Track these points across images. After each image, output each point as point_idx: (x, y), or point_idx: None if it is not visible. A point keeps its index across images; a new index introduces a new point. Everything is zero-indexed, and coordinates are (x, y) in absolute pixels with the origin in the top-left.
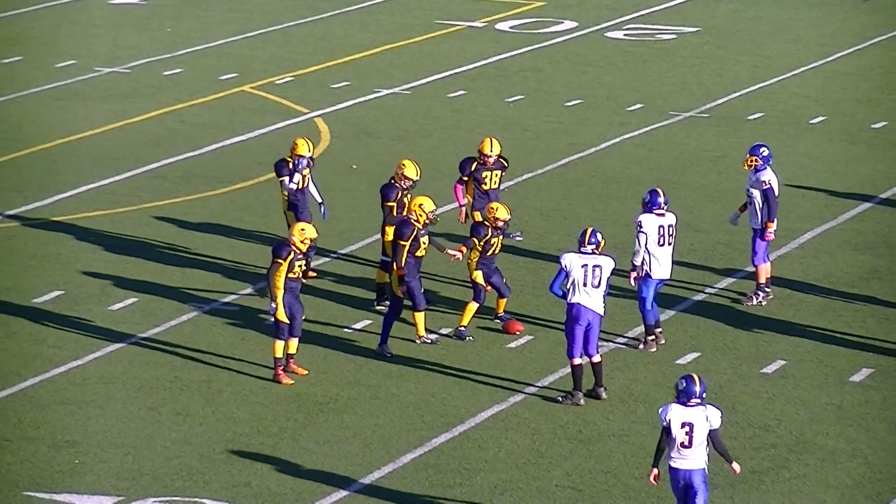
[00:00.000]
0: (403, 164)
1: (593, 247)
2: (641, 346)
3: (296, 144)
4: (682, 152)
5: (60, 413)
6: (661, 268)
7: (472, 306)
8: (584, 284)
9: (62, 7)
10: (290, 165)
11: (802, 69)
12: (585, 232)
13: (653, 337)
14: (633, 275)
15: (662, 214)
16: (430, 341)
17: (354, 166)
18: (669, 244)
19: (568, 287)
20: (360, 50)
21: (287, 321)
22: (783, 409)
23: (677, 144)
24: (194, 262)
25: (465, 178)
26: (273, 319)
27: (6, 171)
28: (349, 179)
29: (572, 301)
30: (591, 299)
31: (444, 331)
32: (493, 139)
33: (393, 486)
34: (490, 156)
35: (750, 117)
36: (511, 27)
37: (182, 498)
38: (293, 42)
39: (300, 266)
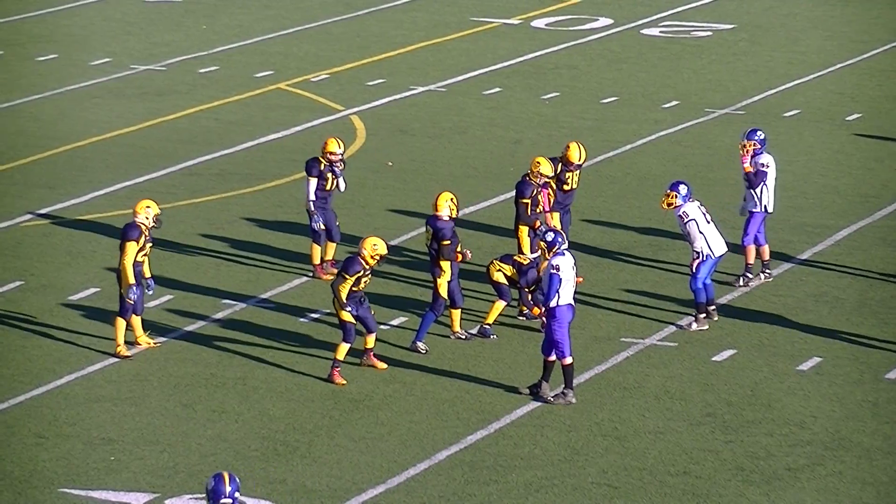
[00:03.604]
0: (538, 162)
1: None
2: (694, 325)
3: (326, 143)
4: (717, 149)
5: (96, 410)
6: (718, 244)
7: (500, 305)
8: (572, 285)
9: (97, 4)
10: (322, 166)
11: (838, 66)
12: (561, 233)
13: (704, 314)
14: (697, 261)
15: (693, 199)
16: (464, 337)
17: (390, 164)
18: (712, 220)
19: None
20: (395, 47)
21: (353, 321)
22: (819, 407)
23: (713, 141)
24: (229, 259)
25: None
26: (339, 322)
27: (41, 168)
28: (384, 177)
29: (564, 303)
30: (571, 297)
31: (472, 330)
32: (578, 145)
33: (428, 482)
34: (579, 164)
35: (785, 114)
36: (546, 24)
37: None
38: (329, 39)
39: (366, 281)
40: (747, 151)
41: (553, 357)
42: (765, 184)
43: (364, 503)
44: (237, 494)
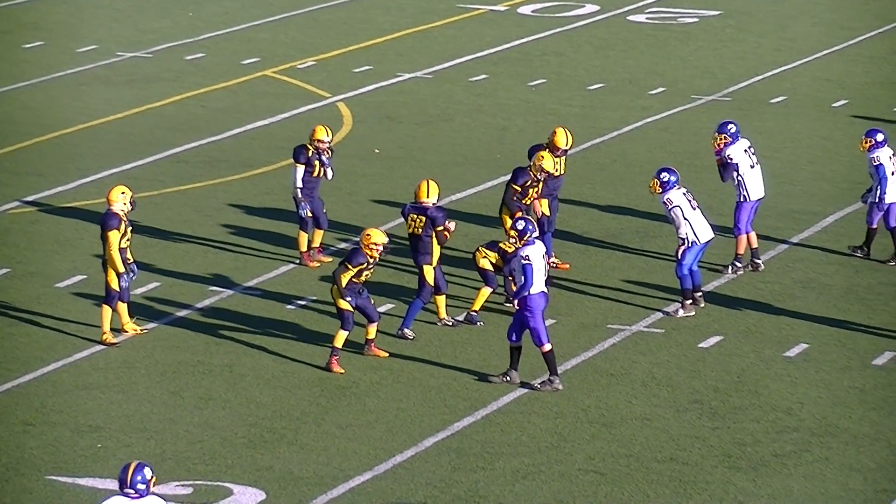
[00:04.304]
0: (542, 156)
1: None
2: (681, 312)
3: (314, 130)
4: (704, 136)
5: (83, 398)
6: (705, 230)
7: (485, 291)
8: (544, 273)
9: None
10: (309, 153)
11: (825, 52)
12: (530, 222)
13: (691, 301)
14: (683, 247)
15: (680, 187)
16: (450, 323)
17: (377, 151)
18: (698, 207)
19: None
20: (382, 34)
21: (351, 309)
22: (806, 393)
23: (700, 128)
24: (216, 246)
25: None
26: (337, 309)
27: (28, 156)
28: (371, 164)
29: (536, 291)
30: (543, 284)
31: (458, 317)
32: (564, 130)
33: (415, 469)
34: (566, 150)
35: (772, 101)
36: (533, 11)
37: (205, 482)
38: (315, 26)
39: (367, 274)
40: (718, 144)
41: (519, 343)
42: (738, 173)
43: (351, 490)
44: (141, 486)
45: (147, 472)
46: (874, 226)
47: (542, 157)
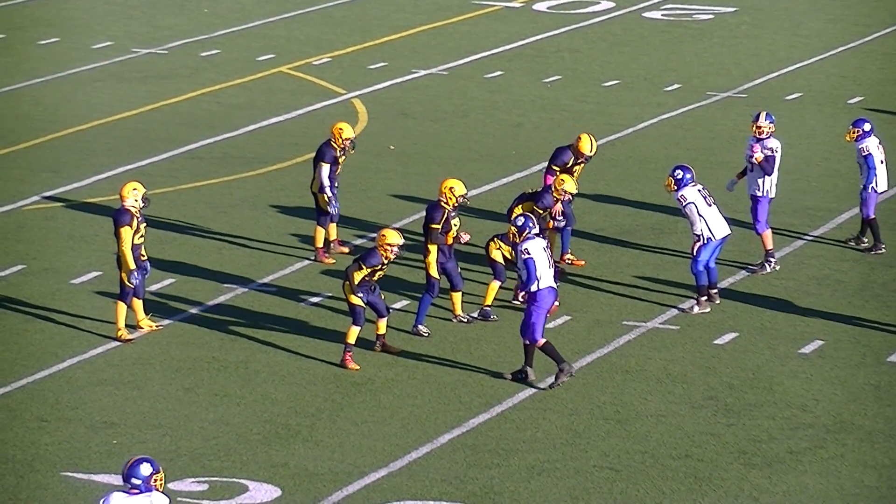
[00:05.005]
0: (563, 179)
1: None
2: (696, 308)
3: (341, 129)
4: (719, 132)
5: (98, 394)
6: (720, 226)
7: (495, 285)
8: (549, 267)
9: None
10: (336, 152)
11: (839, 49)
12: (530, 219)
13: (706, 298)
14: (698, 244)
15: (695, 183)
16: (465, 320)
17: (392, 147)
18: (714, 203)
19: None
20: (396, 31)
21: (363, 305)
22: (821, 390)
23: (714, 125)
24: (231, 242)
25: (557, 168)
26: (348, 305)
27: (43, 152)
28: (386, 160)
29: (545, 286)
30: (552, 279)
31: (473, 313)
32: (590, 137)
33: (431, 466)
34: (589, 156)
35: (787, 97)
36: (548, 7)
37: (219, 478)
38: (330, 23)
39: (380, 274)
40: (768, 132)
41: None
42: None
43: (366, 486)
44: (136, 481)
45: (144, 467)
46: (872, 216)
47: (563, 180)
